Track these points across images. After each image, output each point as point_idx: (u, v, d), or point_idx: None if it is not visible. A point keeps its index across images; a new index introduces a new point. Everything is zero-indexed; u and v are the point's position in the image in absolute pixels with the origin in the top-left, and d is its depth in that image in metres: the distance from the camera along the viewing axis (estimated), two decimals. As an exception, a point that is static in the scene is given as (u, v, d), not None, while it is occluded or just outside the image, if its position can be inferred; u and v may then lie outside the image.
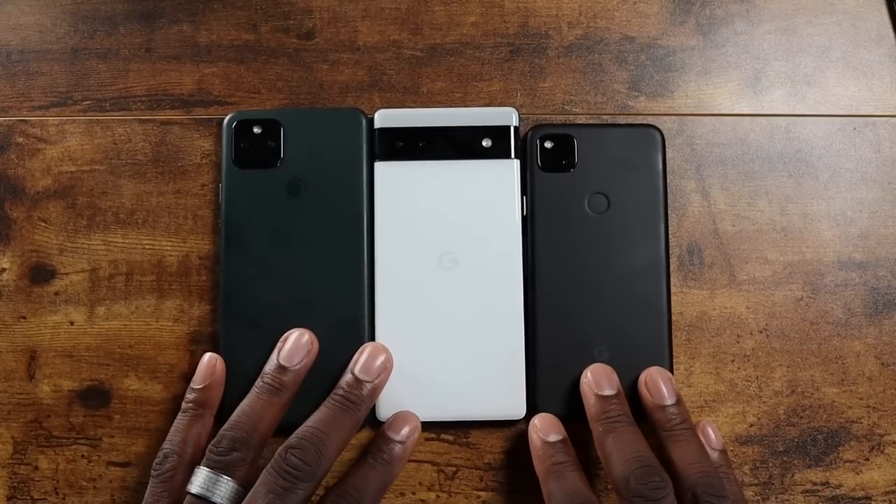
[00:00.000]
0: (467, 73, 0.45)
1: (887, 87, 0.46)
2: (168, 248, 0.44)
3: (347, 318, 0.42)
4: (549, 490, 0.38)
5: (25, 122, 0.45)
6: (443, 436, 0.43)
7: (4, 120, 0.45)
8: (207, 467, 0.37)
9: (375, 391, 0.40)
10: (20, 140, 0.45)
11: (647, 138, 0.44)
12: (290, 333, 0.41)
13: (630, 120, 0.45)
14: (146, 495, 0.38)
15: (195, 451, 0.39)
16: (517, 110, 0.44)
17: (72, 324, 0.44)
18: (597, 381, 0.40)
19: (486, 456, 0.43)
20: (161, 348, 0.43)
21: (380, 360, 0.40)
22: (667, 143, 0.44)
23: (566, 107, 0.45)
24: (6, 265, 0.44)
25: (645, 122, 0.45)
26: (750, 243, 0.44)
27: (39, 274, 0.44)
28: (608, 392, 0.40)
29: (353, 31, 0.46)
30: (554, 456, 0.39)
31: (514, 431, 0.43)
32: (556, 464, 0.39)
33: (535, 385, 0.42)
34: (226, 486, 0.37)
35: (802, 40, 0.46)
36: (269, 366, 0.40)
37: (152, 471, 0.39)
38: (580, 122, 0.45)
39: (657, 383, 0.40)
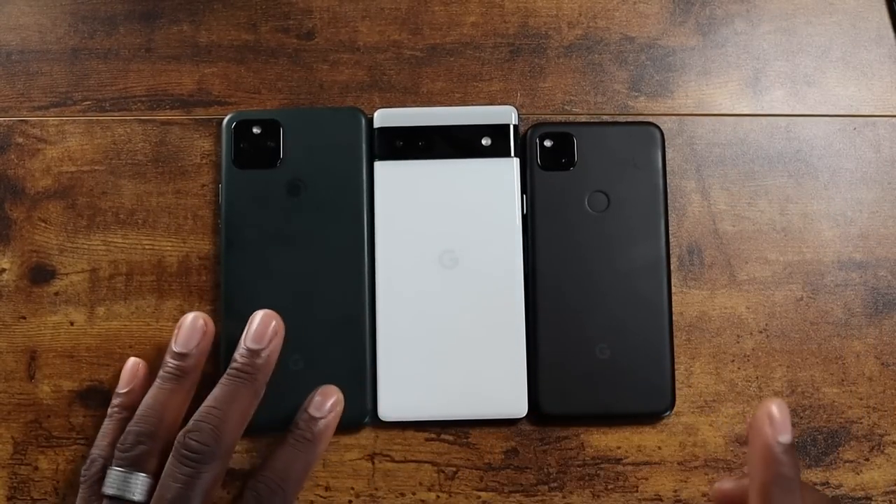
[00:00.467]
0: (467, 73, 0.45)
1: (887, 87, 0.46)
2: (168, 248, 0.44)
3: (348, 317, 0.42)
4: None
5: (25, 122, 0.45)
6: (443, 436, 0.43)
7: (4, 120, 0.45)
8: (117, 467, 0.38)
9: (270, 359, 0.40)
10: (20, 140, 0.45)
11: (647, 136, 0.44)
12: (184, 318, 0.41)
13: (630, 120, 0.45)
14: (77, 501, 0.39)
15: None
16: (517, 109, 0.44)
17: (72, 324, 0.44)
18: (781, 422, 0.32)
19: (486, 456, 0.43)
20: (161, 348, 0.43)
21: (271, 326, 0.40)
22: (667, 143, 0.44)
23: (566, 107, 0.45)
24: (6, 265, 0.44)
25: (645, 121, 0.45)
26: (750, 243, 0.44)
27: (39, 274, 0.44)
28: (786, 439, 0.32)
29: (353, 31, 0.46)
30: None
31: (514, 431, 0.43)
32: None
33: (537, 384, 0.42)
34: (138, 480, 0.37)
35: (802, 40, 0.46)
36: (167, 355, 0.40)
37: (81, 476, 0.39)
38: (578, 121, 0.45)
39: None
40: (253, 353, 0.39)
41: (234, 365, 0.39)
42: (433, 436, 0.43)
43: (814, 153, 0.45)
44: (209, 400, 0.38)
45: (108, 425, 0.40)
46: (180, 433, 0.37)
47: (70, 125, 0.45)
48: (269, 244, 0.43)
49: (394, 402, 0.42)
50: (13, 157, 0.45)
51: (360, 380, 0.42)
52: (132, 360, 0.42)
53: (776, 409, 0.32)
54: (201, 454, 0.37)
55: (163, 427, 0.38)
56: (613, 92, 0.45)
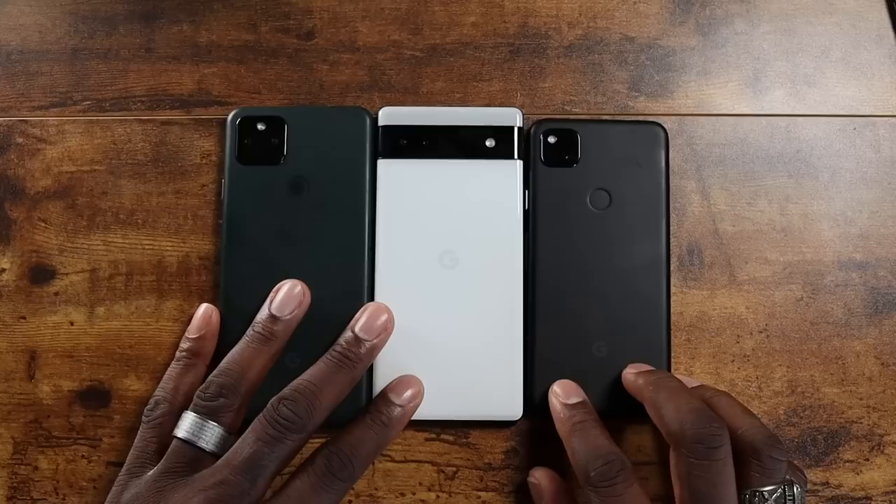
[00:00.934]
0: (467, 74, 0.45)
1: (887, 87, 0.46)
2: (168, 248, 0.44)
3: (348, 315, 0.42)
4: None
5: (25, 122, 0.45)
6: (443, 436, 0.43)
7: (4, 120, 0.45)
8: (194, 412, 0.38)
9: (374, 350, 0.40)
10: (20, 140, 0.45)
11: (651, 135, 0.44)
12: (283, 284, 0.41)
13: (631, 120, 0.45)
14: (136, 441, 0.39)
15: (186, 399, 0.39)
16: (521, 111, 0.44)
17: (72, 324, 0.44)
18: (565, 390, 0.41)
19: (486, 456, 0.43)
20: (161, 348, 0.43)
21: (381, 319, 0.40)
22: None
23: (566, 107, 0.45)
24: (6, 265, 0.44)
25: (649, 120, 0.45)
26: (750, 243, 0.44)
27: (39, 274, 0.44)
28: (573, 400, 0.40)
29: (353, 31, 0.46)
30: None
31: (514, 431, 0.43)
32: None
33: (534, 381, 0.42)
34: (212, 430, 0.37)
35: (802, 40, 0.46)
36: (261, 315, 0.40)
37: (143, 417, 0.39)
38: (581, 119, 0.45)
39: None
40: (359, 342, 0.40)
41: (337, 348, 0.40)
42: (433, 436, 0.43)
43: (814, 153, 0.45)
44: (307, 374, 0.38)
45: (175, 369, 0.40)
46: (275, 398, 0.37)
47: (70, 125, 0.45)
48: (271, 241, 0.43)
49: None
50: (13, 157, 0.45)
51: None
52: (205, 307, 0.42)
53: (557, 385, 0.41)
54: (292, 423, 0.37)
55: (244, 384, 0.38)
56: (613, 92, 0.45)
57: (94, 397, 0.43)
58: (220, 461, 0.37)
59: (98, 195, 0.44)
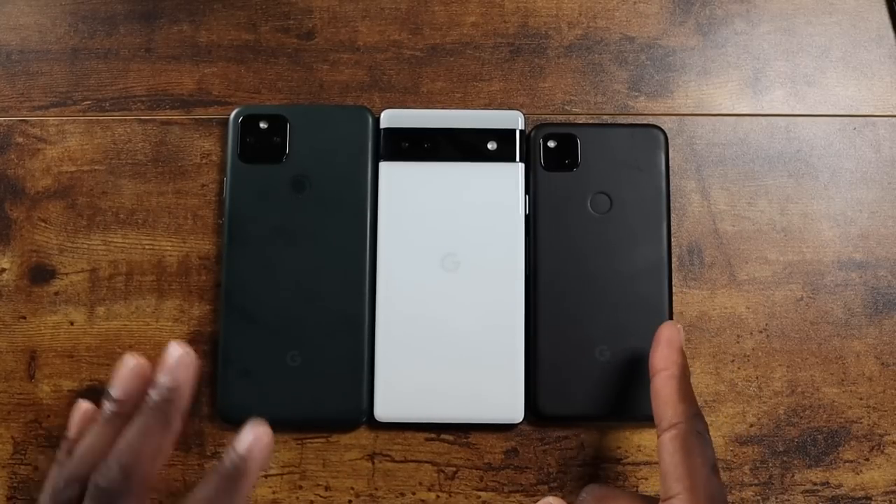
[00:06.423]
0: (467, 73, 0.45)
1: (887, 87, 0.46)
2: (168, 248, 0.44)
3: (348, 315, 0.42)
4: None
5: (25, 122, 0.45)
6: (443, 436, 0.43)
7: (4, 120, 0.45)
8: None
9: (181, 392, 0.38)
10: (20, 140, 0.45)
11: (651, 138, 0.44)
12: (123, 360, 0.39)
13: (630, 120, 0.45)
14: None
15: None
16: (523, 113, 0.44)
17: (72, 324, 0.44)
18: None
19: (486, 456, 0.43)
20: (161, 348, 0.43)
21: (181, 360, 0.38)
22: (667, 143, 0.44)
23: (566, 107, 0.45)
24: (6, 265, 0.44)
25: (645, 122, 0.45)
26: (750, 243, 0.44)
27: (39, 274, 0.44)
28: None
29: (353, 31, 0.46)
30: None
31: (515, 432, 0.43)
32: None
33: (536, 385, 0.42)
34: None
35: (802, 40, 0.46)
36: (105, 396, 0.38)
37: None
38: (580, 122, 0.45)
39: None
40: (164, 389, 0.38)
41: (147, 400, 0.38)
42: (433, 436, 0.43)
43: (814, 153, 0.45)
44: (120, 438, 0.37)
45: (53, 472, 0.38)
46: (92, 474, 0.36)
47: (70, 125, 0.45)
48: (272, 239, 0.43)
49: (390, 403, 0.42)
50: (13, 157, 0.45)
51: (357, 379, 0.42)
52: (82, 405, 0.40)
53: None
54: (111, 490, 0.35)
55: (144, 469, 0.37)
56: (613, 92, 0.45)
57: (95, 397, 0.43)
58: None
59: (98, 195, 0.44)
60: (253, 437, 0.37)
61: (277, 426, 0.40)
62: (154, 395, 0.38)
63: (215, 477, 0.36)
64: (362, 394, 0.42)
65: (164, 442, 0.37)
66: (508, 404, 0.42)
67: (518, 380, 0.42)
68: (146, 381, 0.38)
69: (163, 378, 0.38)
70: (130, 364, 0.39)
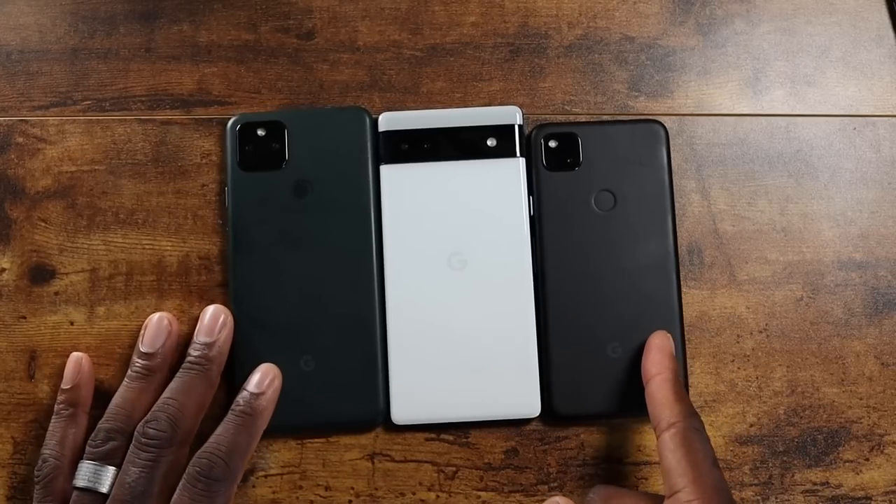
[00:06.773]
0: (467, 73, 0.45)
1: (887, 87, 0.46)
2: (168, 248, 0.44)
3: (359, 318, 0.42)
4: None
5: (25, 122, 0.45)
6: (443, 436, 0.43)
7: (4, 120, 0.45)
8: (89, 460, 0.39)
9: (221, 349, 0.41)
10: (20, 140, 0.45)
11: (651, 133, 0.44)
12: (150, 319, 0.42)
13: (631, 119, 0.45)
14: (33, 500, 0.39)
15: (73, 451, 0.40)
16: (521, 109, 0.44)
17: (72, 324, 0.44)
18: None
19: (486, 456, 0.43)
20: (161, 348, 0.43)
21: (220, 319, 0.42)
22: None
23: (566, 107, 0.45)
24: (6, 265, 0.44)
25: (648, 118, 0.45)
26: (750, 243, 0.44)
27: (39, 274, 0.44)
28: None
29: (353, 31, 0.46)
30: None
31: (514, 431, 0.43)
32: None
33: (550, 384, 0.42)
34: (108, 474, 0.39)
35: (802, 40, 0.46)
36: (136, 354, 0.41)
37: (35, 477, 0.40)
38: (580, 121, 0.45)
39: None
40: (205, 346, 0.41)
41: (188, 358, 0.41)
42: (433, 436, 0.43)
43: (814, 153, 0.45)
44: (166, 392, 0.40)
45: (55, 424, 0.41)
46: (140, 424, 0.39)
47: (70, 125, 0.45)
48: (278, 246, 0.43)
49: (407, 406, 0.42)
50: (13, 156, 0.45)
51: (372, 381, 0.42)
52: (74, 356, 0.42)
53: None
54: (159, 440, 0.38)
55: (131, 424, 0.40)
56: (613, 92, 0.45)
57: (94, 397, 0.43)
58: (108, 500, 0.38)
59: (98, 195, 0.44)
60: (262, 375, 0.41)
61: (294, 431, 0.41)
62: (195, 353, 0.41)
63: (233, 417, 0.40)
64: (378, 396, 0.42)
65: (205, 397, 0.41)
66: (525, 399, 0.42)
67: (532, 373, 0.42)
68: (173, 338, 0.42)
69: (203, 337, 0.41)
70: (158, 321, 0.42)
